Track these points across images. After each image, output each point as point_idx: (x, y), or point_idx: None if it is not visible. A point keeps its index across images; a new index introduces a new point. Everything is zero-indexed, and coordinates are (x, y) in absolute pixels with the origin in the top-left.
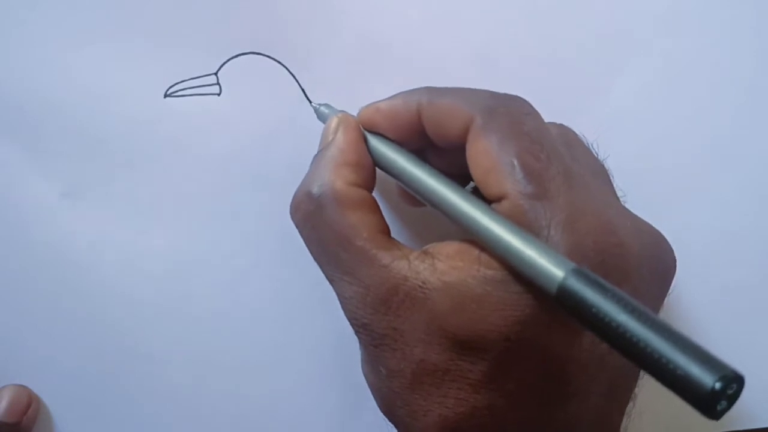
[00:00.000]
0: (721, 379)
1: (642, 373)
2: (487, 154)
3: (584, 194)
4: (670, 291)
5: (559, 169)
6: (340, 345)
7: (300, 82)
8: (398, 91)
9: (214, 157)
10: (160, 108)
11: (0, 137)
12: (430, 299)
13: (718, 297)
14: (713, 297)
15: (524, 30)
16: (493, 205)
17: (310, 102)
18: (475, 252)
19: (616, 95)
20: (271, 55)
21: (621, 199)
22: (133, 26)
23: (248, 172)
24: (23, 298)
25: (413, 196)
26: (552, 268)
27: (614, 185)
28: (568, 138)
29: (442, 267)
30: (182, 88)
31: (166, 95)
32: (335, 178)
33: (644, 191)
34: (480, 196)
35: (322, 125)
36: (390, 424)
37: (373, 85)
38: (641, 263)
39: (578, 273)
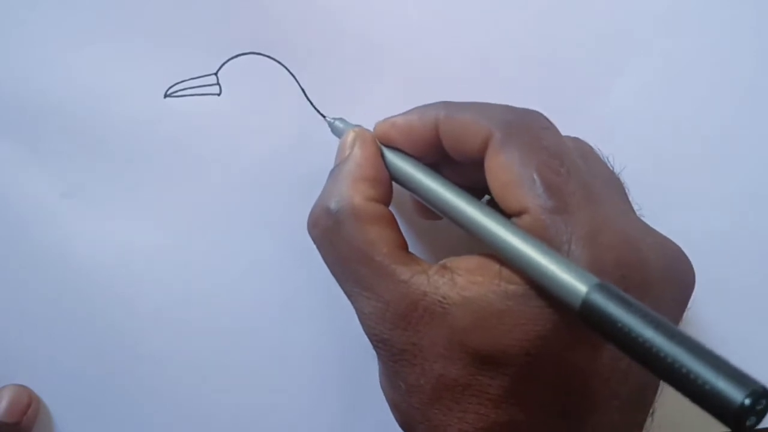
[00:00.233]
0: (751, 394)
1: (660, 387)
2: (506, 169)
3: (604, 209)
4: (689, 306)
5: (579, 183)
6: (340, 346)
7: (300, 83)
8: (397, 92)
9: (214, 157)
10: (160, 108)
11: (0, 137)
12: (450, 314)
13: (717, 295)
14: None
15: (524, 30)
16: (514, 220)
17: (324, 116)
18: (496, 266)
19: (616, 95)
20: (271, 55)
21: (637, 212)
22: (133, 26)
23: (248, 172)
24: (23, 298)
25: (428, 210)
26: (575, 282)
27: (630, 198)
28: (584, 151)
29: (462, 282)
30: (182, 88)
31: (166, 95)
32: (353, 194)
33: (644, 191)
34: (497, 209)
35: (322, 124)
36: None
37: (373, 86)
38: (661, 278)
39: (602, 288)
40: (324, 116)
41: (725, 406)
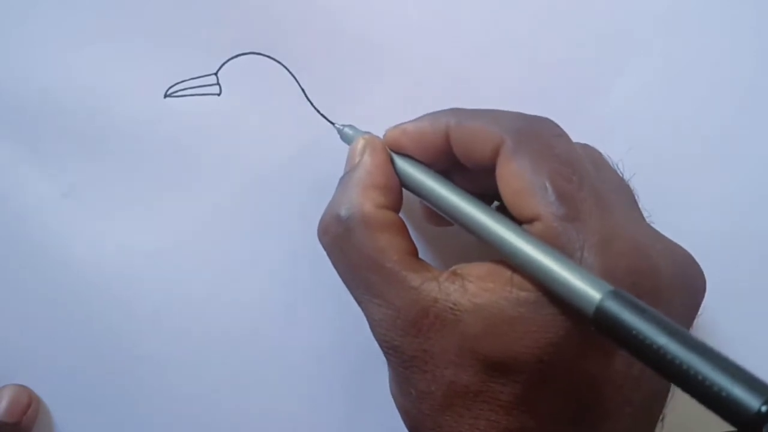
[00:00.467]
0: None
1: (670, 394)
2: (518, 177)
3: (615, 216)
4: (699, 312)
5: (590, 191)
6: (344, 349)
7: (300, 83)
8: (397, 92)
9: (214, 157)
10: (160, 108)
11: (0, 137)
12: (462, 321)
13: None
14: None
15: (524, 30)
16: (525, 227)
17: (333, 123)
18: (507, 273)
19: (616, 95)
20: (271, 55)
21: (647, 219)
22: (133, 26)
23: (248, 172)
24: (23, 298)
25: (438, 216)
26: (589, 289)
27: (640, 205)
28: (595, 158)
29: (473, 288)
30: (182, 88)
31: (166, 95)
32: (363, 201)
33: (644, 191)
34: (507, 216)
35: (322, 123)
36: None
37: (373, 86)
38: (672, 285)
39: (616, 295)
40: (332, 123)
41: (741, 413)
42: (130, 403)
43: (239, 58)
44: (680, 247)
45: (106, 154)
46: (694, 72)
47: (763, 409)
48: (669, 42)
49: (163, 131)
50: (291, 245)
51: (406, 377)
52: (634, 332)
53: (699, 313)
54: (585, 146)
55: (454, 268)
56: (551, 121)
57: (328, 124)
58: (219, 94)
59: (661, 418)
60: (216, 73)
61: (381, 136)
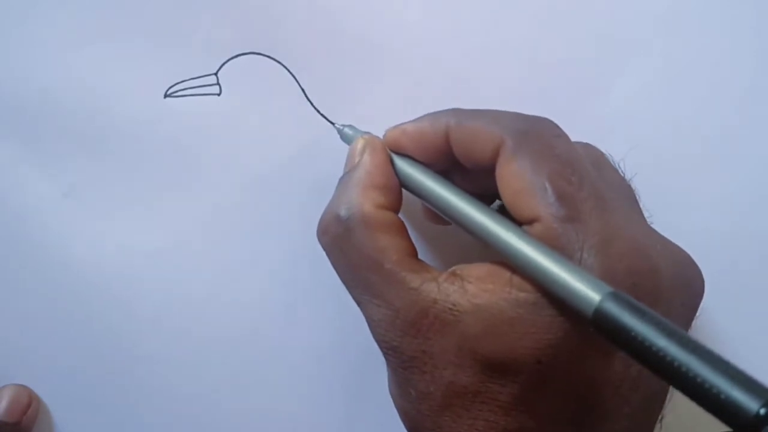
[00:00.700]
0: (766, 404)
1: (669, 394)
2: (518, 177)
3: (615, 217)
4: (698, 313)
5: (591, 191)
6: (340, 347)
7: (300, 83)
8: (397, 92)
9: (214, 157)
10: (160, 108)
11: (0, 137)
12: (461, 322)
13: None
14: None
15: (524, 30)
16: (525, 228)
17: (333, 123)
18: (507, 274)
19: (616, 95)
20: (271, 55)
21: (648, 220)
22: (133, 26)
23: (248, 172)
24: (23, 298)
25: (437, 214)
26: (588, 291)
27: (641, 205)
28: (596, 158)
29: (473, 289)
30: (182, 88)
31: (166, 95)
32: (363, 201)
33: (644, 191)
34: (508, 216)
35: (322, 123)
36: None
37: (373, 86)
38: (671, 286)
39: (615, 296)
40: (332, 123)
41: (740, 415)
42: (130, 403)
43: (239, 58)
44: (679, 248)
45: (106, 154)
46: (694, 72)
47: (762, 411)
48: (669, 42)
49: (163, 131)
50: (291, 245)
51: (405, 378)
52: (632, 334)
53: (698, 314)
54: (586, 146)
55: (453, 268)
56: (551, 122)
57: (328, 124)
58: (219, 94)
59: (660, 419)
60: (216, 73)
61: (381, 136)
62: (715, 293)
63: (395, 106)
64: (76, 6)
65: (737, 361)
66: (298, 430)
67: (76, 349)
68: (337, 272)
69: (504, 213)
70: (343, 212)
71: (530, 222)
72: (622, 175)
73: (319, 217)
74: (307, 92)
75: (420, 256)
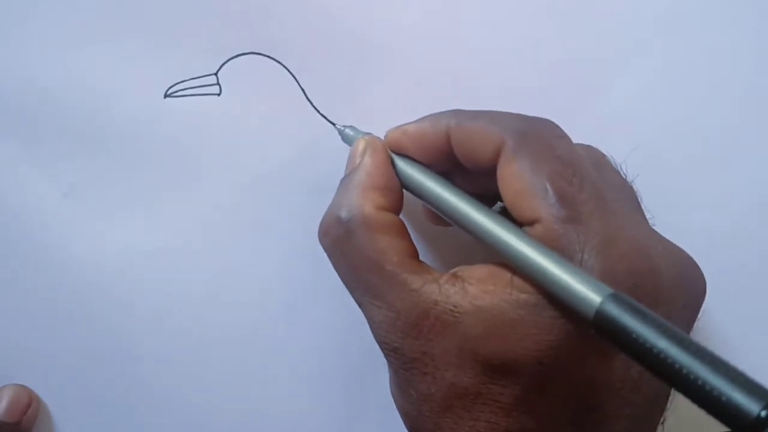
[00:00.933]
0: (767, 406)
1: (671, 396)
2: (519, 178)
3: (616, 218)
4: (699, 316)
5: (592, 192)
6: (341, 347)
7: (300, 83)
8: (397, 92)
9: (214, 157)
10: (160, 108)
11: (0, 137)
12: (462, 323)
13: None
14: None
15: (524, 30)
16: (526, 229)
17: (334, 124)
18: (507, 275)
19: (616, 95)
20: (271, 55)
21: (649, 221)
22: (133, 26)
23: (248, 172)
24: (23, 298)
25: (438, 216)
26: (589, 293)
27: (642, 207)
28: (597, 159)
29: (474, 291)
30: (182, 88)
31: (166, 95)
32: (364, 203)
33: (644, 191)
34: (509, 218)
35: (322, 124)
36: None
37: (373, 86)
38: (673, 288)
39: (616, 298)
40: (333, 124)
41: (741, 417)
42: (130, 403)
43: (239, 58)
44: (681, 249)
45: (106, 154)
46: (694, 72)
47: (763, 413)
48: (669, 42)
49: (163, 131)
50: (291, 245)
51: (406, 379)
52: (633, 336)
53: (699, 315)
54: (588, 147)
55: (454, 270)
56: (552, 123)
57: (329, 124)
58: (219, 94)
59: (661, 420)
60: (216, 73)
61: (381, 137)
62: (715, 293)
63: (395, 106)
64: (76, 6)
65: (737, 362)
66: (298, 430)
67: (76, 349)
68: (339, 274)
69: (506, 215)
70: (343, 214)
71: (531, 223)
72: (623, 176)
73: (319, 217)
74: (307, 92)
75: (421, 257)
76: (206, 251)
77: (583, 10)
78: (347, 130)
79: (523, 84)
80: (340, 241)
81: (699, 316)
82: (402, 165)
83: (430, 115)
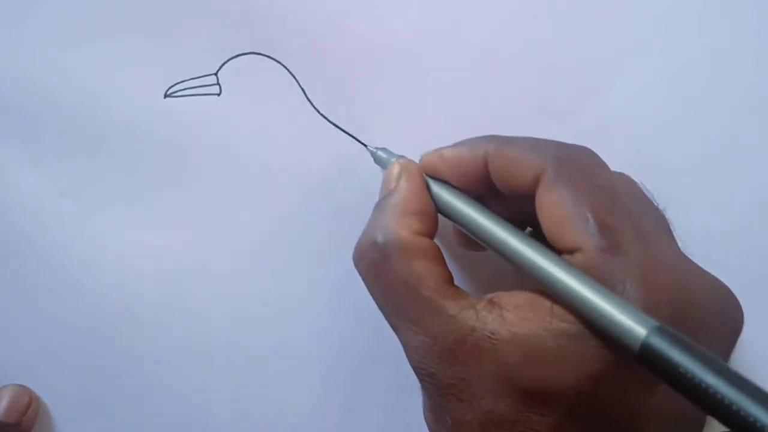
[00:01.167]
0: None
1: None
2: (560, 207)
3: (655, 248)
4: (736, 346)
5: (631, 222)
6: (340, 347)
7: (300, 82)
8: (397, 92)
9: (214, 157)
10: (160, 108)
11: (0, 137)
12: (500, 350)
13: None
14: None
15: (524, 30)
16: (566, 257)
17: (365, 146)
18: (547, 303)
19: (616, 95)
20: (271, 55)
21: (681, 248)
22: (133, 26)
23: (248, 172)
24: (23, 298)
25: (470, 240)
26: (634, 325)
27: (675, 234)
28: (631, 187)
29: (511, 318)
30: (182, 88)
31: (166, 95)
32: (400, 228)
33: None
34: (544, 243)
35: (321, 123)
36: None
37: (372, 85)
38: (712, 320)
39: (662, 331)
40: (365, 145)
41: None
42: (130, 403)
43: (239, 58)
44: (718, 280)
45: (106, 154)
46: (694, 72)
47: None
48: (669, 42)
49: (163, 131)
50: (291, 244)
51: (441, 405)
52: (681, 370)
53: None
54: (621, 175)
55: (490, 296)
56: (591, 151)
57: (326, 123)
58: (219, 94)
59: None
60: (216, 73)
61: (405, 154)
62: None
63: (395, 106)
64: (76, 6)
65: (737, 362)
66: (298, 430)
67: (76, 349)
68: (374, 297)
69: (539, 239)
70: (379, 238)
71: (571, 251)
72: (655, 204)
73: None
74: (307, 92)
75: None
76: (206, 251)
77: (583, 10)
78: (380, 153)
79: (523, 84)
80: (376, 265)
81: (736, 347)
82: (438, 190)
83: (467, 140)
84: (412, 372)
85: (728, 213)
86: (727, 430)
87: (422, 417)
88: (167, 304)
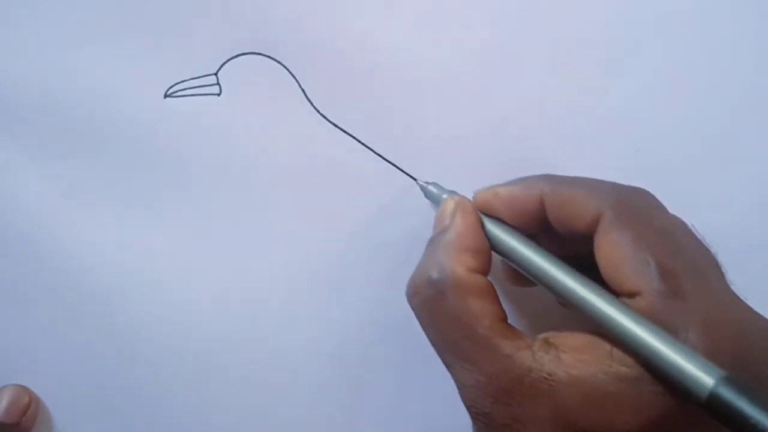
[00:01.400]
0: None
1: None
2: (620, 250)
3: (715, 295)
4: None
5: (690, 267)
6: (340, 347)
7: (300, 82)
8: (397, 92)
9: (213, 157)
10: (160, 108)
11: (0, 137)
12: (557, 392)
13: None
14: None
15: (524, 30)
16: (626, 301)
17: (415, 180)
18: (606, 347)
19: (616, 95)
20: (271, 55)
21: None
22: (133, 26)
23: (248, 172)
24: (23, 298)
25: (518, 276)
26: (701, 374)
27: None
28: (686, 231)
29: (569, 359)
30: (182, 88)
31: (166, 95)
32: (456, 265)
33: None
34: (600, 284)
35: (322, 123)
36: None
37: (372, 86)
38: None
39: (730, 380)
40: (415, 179)
41: None
42: (130, 403)
43: (239, 58)
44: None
45: (106, 154)
46: (694, 72)
47: None
48: (669, 42)
49: (163, 131)
50: (291, 245)
51: None
52: (751, 421)
53: None
54: (674, 217)
55: (544, 336)
56: (649, 193)
57: (326, 123)
58: (219, 94)
59: None
60: (216, 73)
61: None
62: None
63: (395, 106)
64: (76, 6)
65: None
66: (298, 430)
67: (76, 350)
68: (427, 333)
69: (594, 279)
70: (435, 275)
71: (631, 295)
72: (708, 247)
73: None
74: (307, 92)
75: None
76: (206, 251)
77: (583, 10)
78: (430, 188)
79: (524, 84)
80: (431, 301)
81: None
82: (492, 227)
83: (521, 179)
84: (412, 372)
85: (728, 213)
86: None
87: (422, 417)
88: (167, 304)
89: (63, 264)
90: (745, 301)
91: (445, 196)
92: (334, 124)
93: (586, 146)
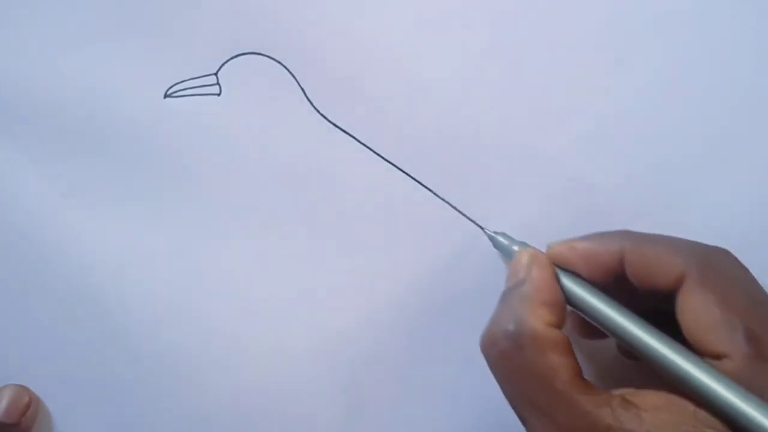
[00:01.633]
0: None
1: None
2: (706, 312)
3: None
4: None
5: None
6: (340, 346)
7: (300, 82)
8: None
9: (213, 157)
10: (160, 108)
11: (0, 137)
12: None
13: None
14: None
15: (524, 30)
16: (712, 362)
17: (483, 229)
18: (690, 407)
19: (616, 95)
20: (271, 55)
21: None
22: (133, 26)
23: (248, 172)
24: (23, 298)
25: (589, 329)
26: None
27: None
28: (762, 290)
29: (650, 419)
30: (182, 88)
31: (166, 95)
32: (533, 319)
33: (644, 191)
34: (682, 343)
35: (321, 123)
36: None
37: (372, 86)
38: None
39: None
40: (483, 228)
41: None
42: (130, 403)
43: (239, 58)
44: None
45: (106, 154)
46: (695, 72)
47: None
48: (669, 42)
49: (163, 131)
50: (290, 245)
51: None
52: None
53: None
54: (755, 279)
55: (622, 392)
56: (731, 253)
57: (326, 123)
58: (219, 94)
59: None
60: (216, 73)
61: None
62: None
63: (394, 106)
64: (76, 6)
65: None
66: (298, 430)
67: (76, 350)
68: (502, 386)
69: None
70: (512, 327)
71: (717, 357)
72: None
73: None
74: (307, 92)
75: None
76: (206, 251)
77: (583, 9)
78: (500, 238)
79: (524, 84)
80: (508, 354)
81: None
82: (568, 282)
83: (599, 234)
84: (411, 373)
85: (728, 213)
86: None
87: (422, 417)
88: (167, 304)
89: (63, 264)
90: None
91: (515, 247)
92: (334, 124)
93: (586, 146)
